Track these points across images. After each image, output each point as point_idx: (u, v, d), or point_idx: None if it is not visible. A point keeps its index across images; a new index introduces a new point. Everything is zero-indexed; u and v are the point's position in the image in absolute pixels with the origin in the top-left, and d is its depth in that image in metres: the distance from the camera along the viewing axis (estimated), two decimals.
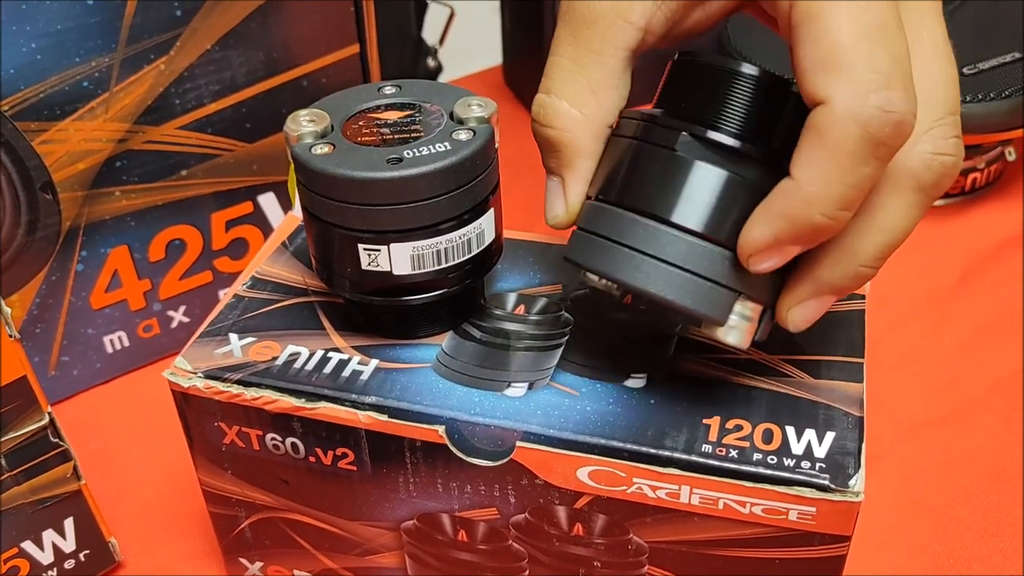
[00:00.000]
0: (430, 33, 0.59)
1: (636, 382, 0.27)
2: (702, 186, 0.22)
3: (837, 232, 0.22)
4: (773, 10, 0.22)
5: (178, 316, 0.41)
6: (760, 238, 0.22)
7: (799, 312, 0.23)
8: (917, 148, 0.22)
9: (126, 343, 0.41)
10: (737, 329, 0.23)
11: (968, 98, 0.45)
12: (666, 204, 0.22)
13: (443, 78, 0.61)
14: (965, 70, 0.46)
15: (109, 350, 0.41)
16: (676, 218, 0.22)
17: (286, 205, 0.42)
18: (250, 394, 0.27)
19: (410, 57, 0.56)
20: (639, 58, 0.25)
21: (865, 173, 0.20)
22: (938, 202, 0.49)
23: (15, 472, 0.30)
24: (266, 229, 0.42)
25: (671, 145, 0.23)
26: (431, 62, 0.58)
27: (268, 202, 0.41)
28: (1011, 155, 0.49)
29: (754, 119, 0.23)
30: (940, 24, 0.23)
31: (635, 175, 0.23)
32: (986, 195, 0.50)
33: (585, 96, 0.24)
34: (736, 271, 0.23)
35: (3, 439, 0.29)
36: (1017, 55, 0.47)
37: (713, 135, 0.23)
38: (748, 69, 0.23)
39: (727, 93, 0.23)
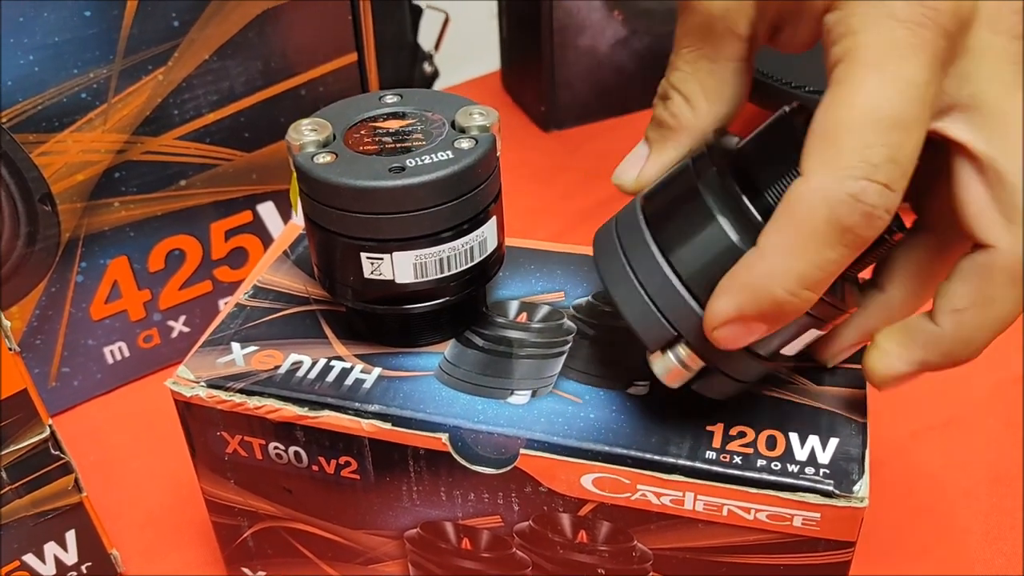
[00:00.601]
0: (425, 39, 0.59)
1: (639, 389, 0.27)
2: (701, 236, 0.23)
3: (799, 313, 0.21)
4: (825, 61, 0.22)
5: (178, 326, 0.41)
6: (723, 310, 0.22)
7: (892, 384, 0.24)
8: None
9: (126, 353, 0.41)
10: (663, 365, 0.24)
11: None
12: (666, 236, 0.23)
13: (441, 84, 0.62)
14: None
15: (109, 360, 0.40)
16: (669, 254, 0.23)
17: (286, 214, 0.42)
18: (253, 403, 0.27)
19: (406, 63, 0.56)
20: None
21: (828, 256, 0.20)
22: None
23: (16, 485, 0.29)
24: (265, 238, 0.42)
25: (697, 179, 0.23)
26: (427, 67, 0.58)
27: (267, 211, 0.41)
28: None
29: (778, 189, 0.22)
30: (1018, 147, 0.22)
31: (666, 195, 0.24)
32: None
33: (699, 100, 0.25)
34: (691, 323, 0.23)
35: (4, 452, 0.29)
36: None
37: (731, 183, 0.23)
38: (788, 119, 0.23)
39: (770, 142, 0.24)
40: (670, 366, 0.24)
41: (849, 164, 0.20)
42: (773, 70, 0.47)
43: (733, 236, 0.22)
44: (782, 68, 0.47)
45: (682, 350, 0.23)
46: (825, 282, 0.21)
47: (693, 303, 0.23)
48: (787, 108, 0.24)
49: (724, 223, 0.22)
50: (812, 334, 0.24)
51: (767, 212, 0.22)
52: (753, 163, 0.23)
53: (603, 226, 0.26)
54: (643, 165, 0.26)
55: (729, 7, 0.24)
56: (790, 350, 0.24)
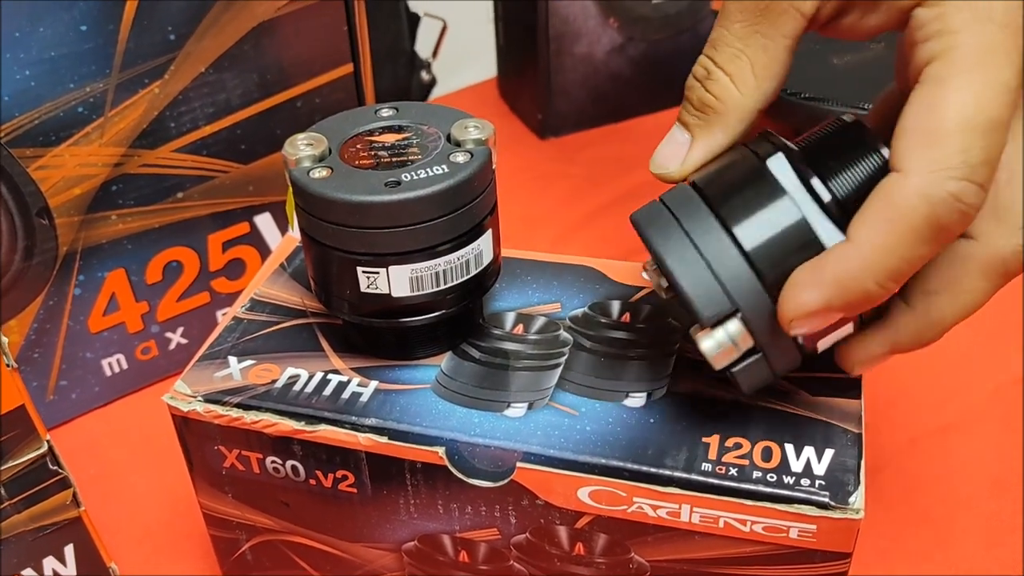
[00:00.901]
0: (423, 47, 0.59)
1: (635, 401, 0.27)
2: (772, 213, 0.23)
3: (879, 304, 0.22)
4: (908, 53, 0.22)
5: (176, 338, 0.41)
6: (810, 303, 0.22)
7: (866, 366, 0.25)
8: (1016, 238, 0.22)
9: (124, 366, 0.41)
10: (715, 341, 0.23)
11: None
12: (730, 210, 0.23)
13: (438, 92, 0.62)
14: None
15: (108, 373, 0.41)
16: (733, 226, 0.23)
17: (283, 225, 0.42)
18: (250, 417, 0.27)
19: (404, 72, 0.56)
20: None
21: (922, 252, 0.21)
22: None
23: (15, 500, 0.30)
24: (263, 249, 0.42)
25: (764, 157, 0.23)
26: (425, 75, 0.58)
27: (265, 223, 0.41)
28: None
29: (848, 177, 0.23)
30: None
31: (726, 175, 0.24)
32: None
33: (747, 77, 0.24)
34: (752, 299, 0.23)
35: (2, 468, 0.29)
36: None
37: (801, 163, 0.23)
38: (859, 123, 0.23)
39: (834, 141, 0.24)
40: (722, 343, 0.23)
41: (951, 164, 0.20)
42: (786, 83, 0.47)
43: (805, 213, 0.22)
44: (794, 81, 0.47)
45: (735, 326, 0.23)
46: (909, 275, 0.21)
47: (755, 278, 0.22)
48: (845, 117, 0.24)
49: (796, 200, 0.22)
50: (847, 330, 0.24)
51: (840, 200, 0.22)
52: (819, 153, 0.23)
53: (644, 207, 0.24)
54: (687, 151, 0.25)
55: None
56: (824, 344, 0.24)
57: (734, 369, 0.24)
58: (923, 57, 0.21)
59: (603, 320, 0.30)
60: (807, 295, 0.22)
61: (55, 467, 0.30)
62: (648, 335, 0.29)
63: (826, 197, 0.22)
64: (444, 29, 0.58)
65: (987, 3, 0.21)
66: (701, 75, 0.25)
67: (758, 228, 0.22)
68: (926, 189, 0.20)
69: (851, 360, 0.25)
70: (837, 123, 0.24)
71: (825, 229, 0.22)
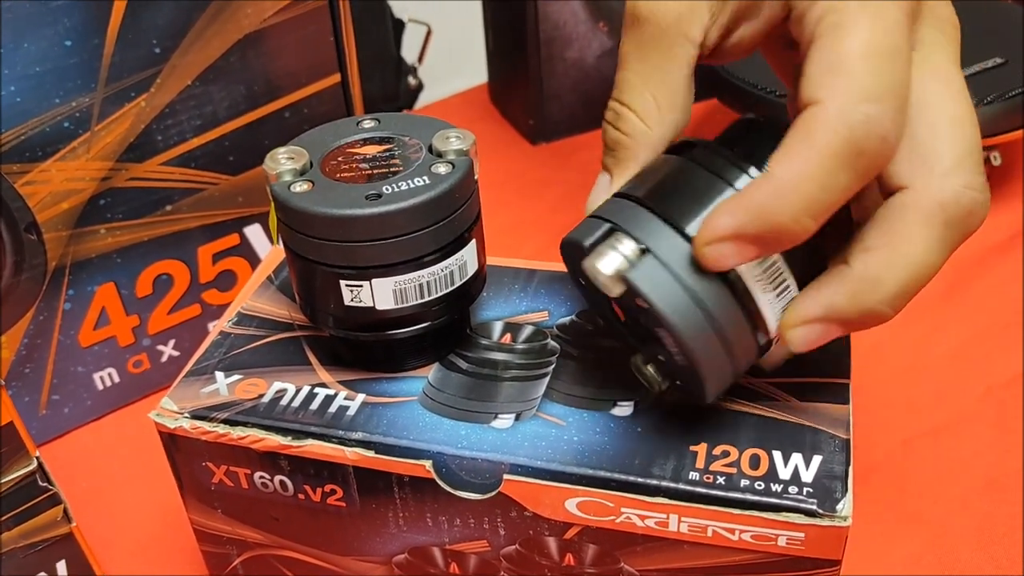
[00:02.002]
0: (408, 52, 0.59)
1: (623, 410, 0.26)
2: (697, 191, 0.23)
3: (797, 242, 0.21)
4: (798, 32, 0.23)
5: (168, 350, 0.41)
6: (720, 227, 0.21)
7: (801, 332, 0.23)
8: (948, 181, 0.21)
9: (116, 379, 0.41)
10: (599, 254, 0.23)
11: None
12: (671, 207, 0.23)
13: (428, 98, 0.62)
14: None
15: (99, 387, 0.40)
16: (672, 219, 0.23)
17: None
18: (236, 433, 0.27)
19: (391, 78, 0.56)
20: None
21: (840, 181, 0.20)
22: None
23: (5, 518, 0.29)
24: (253, 260, 0.42)
25: (690, 155, 0.24)
26: (412, 81, 0.58)
27: (255, 233, 0.41)
28: (996, 160, 0.49)
29: (761, 151, 0.23)
30: (958, 71, 0.23)
31: (652, 176, 0.24)
32: None
33: (651, 111, 0.25)
34: (631, 213, 0.23)
35: None
36: (999, 60, 0.47)
37: (718, 147, 0.23)
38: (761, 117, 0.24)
39: (747, 131, 0.24)
40: (604, 252, 0.22)
41: (863, 87, 0.20)
42: (749, 76, 0.47)
43: (727, 178, 0.22)
44: (758, 74, 0.47)
45: (620, 239, 0.23)
46: (828, 211, 0.21)
47: (650, 212, 0.23)
48: (748, 116, 0.25)
49: (717, 174, 0.23)
50: (786, 293, 0.23)
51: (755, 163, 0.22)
52: (732, 143, 0.24)
53: (577, 227, 0.25)
54: (609, 189, 0.26)
55: (682, 13, 0.25)
56: (764, 302, 0.23)
57: (628, 276, 0.22)
58: (812, 21, 0.22)
59: (591, 328, 0.29)
60: (720, 219, 0.21)
61: (45, 483, 0.30)
62: (637, 337, 0.29)
63: (747, 166, 0.23)
64: (429, 34, 0.58)
65: None
66: (611, 117, 0.26)
67: (688, 209, 0.23)
68: (842, 112, 0.20)
69: (784, 324, 0.23)
70: (743, 120, 0.25)
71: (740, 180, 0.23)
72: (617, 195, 0.24)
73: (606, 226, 0.23)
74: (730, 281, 0.22)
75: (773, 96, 0.46)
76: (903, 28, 0.21)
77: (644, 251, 0.22)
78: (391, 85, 0.56)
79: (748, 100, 0.47)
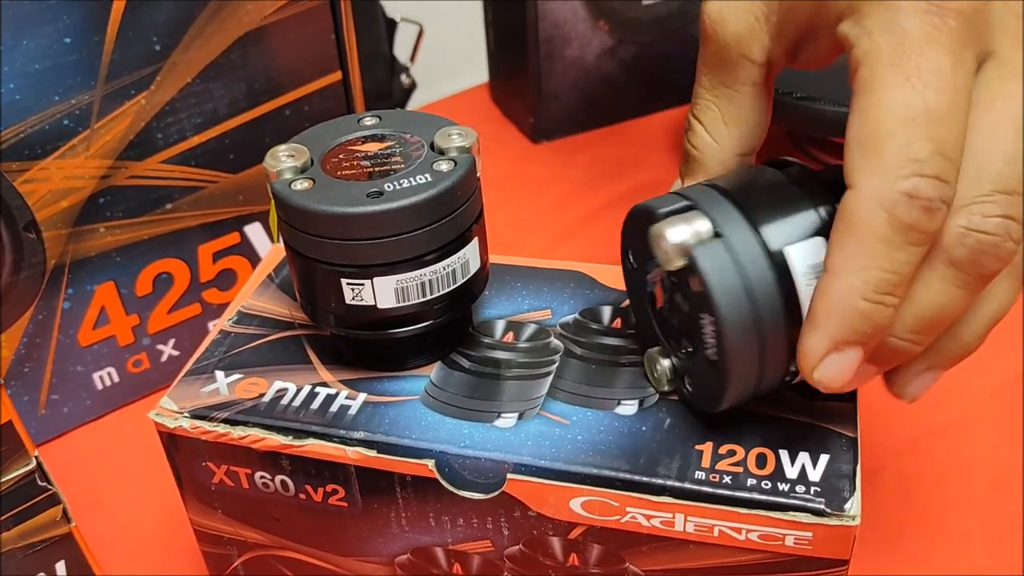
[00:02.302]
0: (402, 51, 0.59)
1: (627, 408, 0.26)
2: (781, 200, 0.23)
3: (890, 321, 0.21)
4: (850, 60, 0.22)
5: (167, 350, 0.41)
6: (817, 344, 0.21)
7: (826, 370, 0.22)
8: (952, 222, 0.21)
9: (116, 379, 0.40)
10: (675, 228, 0.23)
11: None
12: (753, 205, 0.23)
13: (429, 98, 0.61)
14: None
15: (99, 387, 0.40)
16: (751, 215, 0.23)
17: None
18: (237, 433, 0.26)
19: (384, 77, 0.56)
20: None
21: (900, 258, 0.20)
22: None
23: (4, 518, 0.29)
24: (254, 259, 0.42)
25: (785, 171, 0.25)
26: (404, 80, 0.58)
27: (255, 232, 0.41)
28: None
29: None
30: (1018, 95, 0.21)
31: (742, 176, 0.25)
32: None
33: (719, 126, 0.26)
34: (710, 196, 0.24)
35: None
36: None
37: (817, 173, 0.24)
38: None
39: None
40: (682, 229, 0.22)
41: (895, 165, 0.20)
42: (778, 83, 0.47)
43: (813, 198, 0.23)
44: (786, 81, 0.46)
45: (695, 216, 0.23)
46: (903, 283, 0.21)
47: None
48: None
49: (807, 192, 0.23)
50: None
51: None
52: (829, 173, 0.24)
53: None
54: None
55: (741, 34, 0.25)
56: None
57: (694, 251, 0.22)
58: (852, 68, 0.21)
59: (594, 326, 0.29)
60: (811, 340, 0.21)
61: (44, 483, 0.30)
62: (639, 341, 0.28)
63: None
64: (421, 33, 0.58)
65: (893, 1, 0.20)
66: (686, 128, 0.27)
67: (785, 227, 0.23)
68: (877, 195, 0.20)
69: (807, 367, 0.22)
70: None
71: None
72: (704, 183, 0.25)
73: (685, 202, 0.23)
74: (788, 298, 0.22)
75: (778, 95, 0.46)
76: (947, 77, 0.20)
77: (716, 235, 0.22)
78: (384, 84, 0.56)
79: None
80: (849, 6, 0.21)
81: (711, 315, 0.23)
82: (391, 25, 0.56)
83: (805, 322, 0.22)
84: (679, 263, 0.22)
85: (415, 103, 0.60)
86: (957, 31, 0.20)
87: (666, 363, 0.26)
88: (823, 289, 0.21)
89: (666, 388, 0.26)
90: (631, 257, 0.26)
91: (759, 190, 0.24)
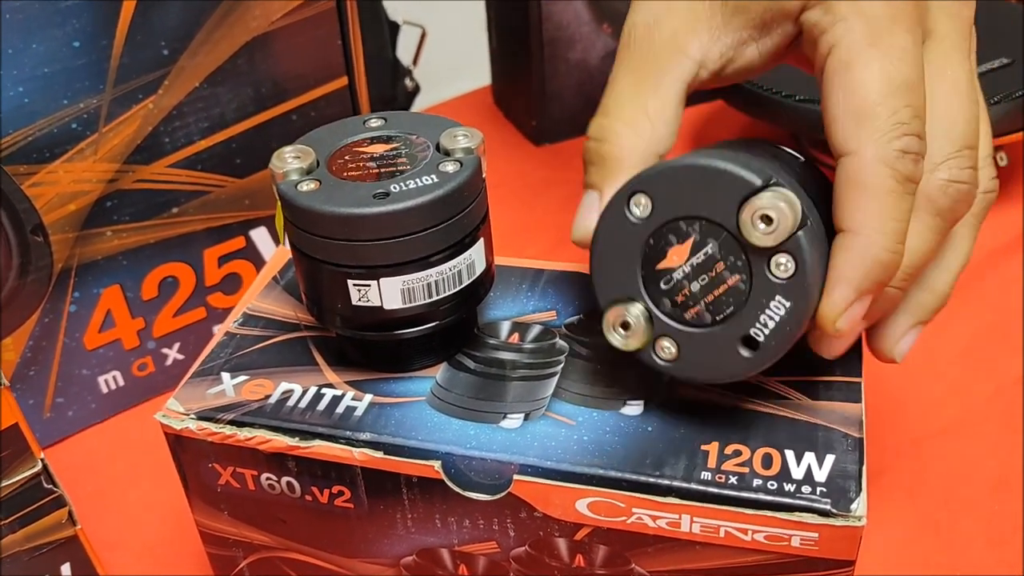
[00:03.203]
0: (403, 55, 0.59)
1: (633, 409, 0.26)
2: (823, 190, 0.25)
3: (898, 267, 0.23)
4: (812, 54, 0.24)
5: (172, 353, 0.41)
6: (842, 298, 0.23)
7: (845, 320, 0.24)
8: (935, 175, 0.24)
9: (121, 383, 0.41)
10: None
11: None
12: (812, 193, 0.24)
13: (432, 100, 0.62)
14: None
15: (104, 390, 0.40)
16: (820, 211, 0.24)
17: (278, 239, 0.42)
18: (243, 434, 0.27)
19: (388, 80, 0.56)
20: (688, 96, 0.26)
21: (905, 206, 0.23)
22: None
23: (9, 520, 0.29)
24: (259, 264, 0.42)
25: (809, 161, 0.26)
26: (408, 83, 0.58)
27: (260, 237, 0.41)
28: (1003, 160, 0.49)
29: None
30: (964, 64, 0.25)
31: (785, 158, 0.26)
32: None
33: (641, 120, 0.25)
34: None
35: None
36: (1006, 60, 0.47)
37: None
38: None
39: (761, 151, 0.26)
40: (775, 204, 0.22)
41: (887, 128, 0.23)
42: (765, 81, 0.47)
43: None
44: (773, 79, 0.47)
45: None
46: (906, 231, 0.23)
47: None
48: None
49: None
50: None
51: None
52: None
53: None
54: (599, 206, 0.25)
55: (678, 28, 0.25)
56: None
57: (800, 233, 0.22)
58: (823, 50, 0.24)
59: (599, 327, 0.29)
60: (838, 293, 0.23)
61: (50, 486, 0.30)
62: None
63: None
64: (423, 36, 0.58)
65: None
66: (596, 133, 0.26)
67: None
68: (879, 156, 0.23)
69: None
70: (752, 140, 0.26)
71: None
72: (750, 154, 0.24)
73: (770, 176, 0.23)
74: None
75: (780, 97, 0.46)
76: (912, 52, 0.23)
77: (805, 218, 0.22)
78: (387, 88, 0.56)
79: (754, 101, 0.47)
80: None
81: (788, 300, 0.23)
82: (394, 28, 0.56)
83: (829, 278, 0.23)
84: (774, 241, 0.22)
85: (417, 106, 0.60)
86: (912, 12, 0.23)
87: (642, 319, 0.24)
88: (847, 245, 0.23)
89: (633, 347, 0.25)
90: (642, 205, 0.24)
91: (794, 171, 0.24)
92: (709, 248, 0.23)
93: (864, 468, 0.24)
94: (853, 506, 0.23)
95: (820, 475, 0.24)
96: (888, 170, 0.23)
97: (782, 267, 0.23)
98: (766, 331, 0.23)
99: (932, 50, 0.24)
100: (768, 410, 0.26)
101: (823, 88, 0.24)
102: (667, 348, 0.25)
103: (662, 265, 0.24)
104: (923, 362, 0.41)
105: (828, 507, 0.23)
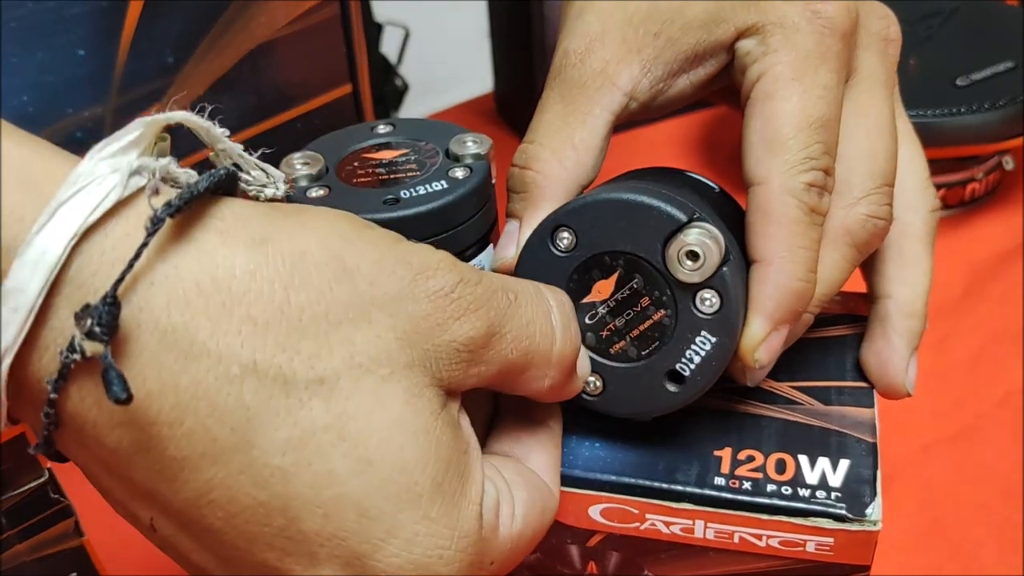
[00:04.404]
0: (401, 58, 0.59)
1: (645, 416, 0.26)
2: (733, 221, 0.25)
3: (811, 297, 0.24)
4: (739, 81, 0.25)
5: None
6: (760, 329, 0.23)
7: (763, 350, 0.24)
8: (855, 210, 0.24)
9: None
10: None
11: (963, 109, 0.45)
12: (732, 227, 0.24)
13: (434, 107, 0.62)
14: (958, 81, 0.46)
15: None
16: (739, 243, 0.24)
17: None
18: None
19: (378, 80, 0.56)
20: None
21: (814, 235, 0.24)
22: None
23: (16, 530, 0.29)
24: None
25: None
26: (397, 83, 0.58)
27: None
28: (1009, 164, 0.49)
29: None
30: (887, 103, 0.25)
31: (688, 190, 0.25)
32: (985, 205, 0.50)
33: (567, 150, 0.25)
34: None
35: (3, 497, 0.28)
36: (1010, 64, 0.47)
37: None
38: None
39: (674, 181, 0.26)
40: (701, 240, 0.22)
41: (796, 161, 0.23)
42: None
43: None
44: None
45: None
46: (816, 258, 0.24)
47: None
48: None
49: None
50: None
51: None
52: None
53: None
54: (519, 234, 0.25)
55: (608, 60, 0.25)
56: None
57: (724, 270, 0.22)
58: (751, 79, 0.24)
59: None
60: (755, 325, 0.23)
61: (56, 495, 0.29)
62: None
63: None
64: (407, 36, 0.58)
65: (796, 21, 0.24)
66: (521, 160, 0.25)
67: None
68: (786, 187, 0.23)
69: (746, 353, 0.24)
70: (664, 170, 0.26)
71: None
72: (665, 190, 0.23)
73: (694, 211, 0.23)
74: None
75: None
76: (833, 91, 0.24)
77: (727, 254, 0.23)
78: (377, 88, 0.56)
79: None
80: (749, 26, 0.25)
81: (714, 336, 0.23)
82: (377, 29, 0.57)
83: (748, 310, 0.23)
84: (700, 278, 0.22)
85: (418, 112, 0.61)
86: (840, 52, 0.24)
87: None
88: (761, 276, 0.23)
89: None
90: (567, 239, 0.24)
91: (712, 202, 0.25)
92: (634, 283, 0.23)
93: (879, 473, 0.24)
94: (868, 511, 0.23)
95: (835, 480, 0.24)
96: (795, 201, 0.23)
97: (707, 302, 0.23)
98: (692, 365, 0.23)
99: (857, 88, 0.25)
100: (781, 415, 0.26)
101: (744, 115, 0.25)
102: (592, 383, 0.24)
103: (587, 299, 0.24)
104: (932, 367, 0.41)
105: (843, 512, 0.23)
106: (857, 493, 0.23)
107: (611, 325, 0.24)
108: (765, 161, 0.24)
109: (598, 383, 0.24)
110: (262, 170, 0.21)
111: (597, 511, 0.25)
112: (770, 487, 0.24)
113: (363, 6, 0.54)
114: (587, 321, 0.24)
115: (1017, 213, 0.49)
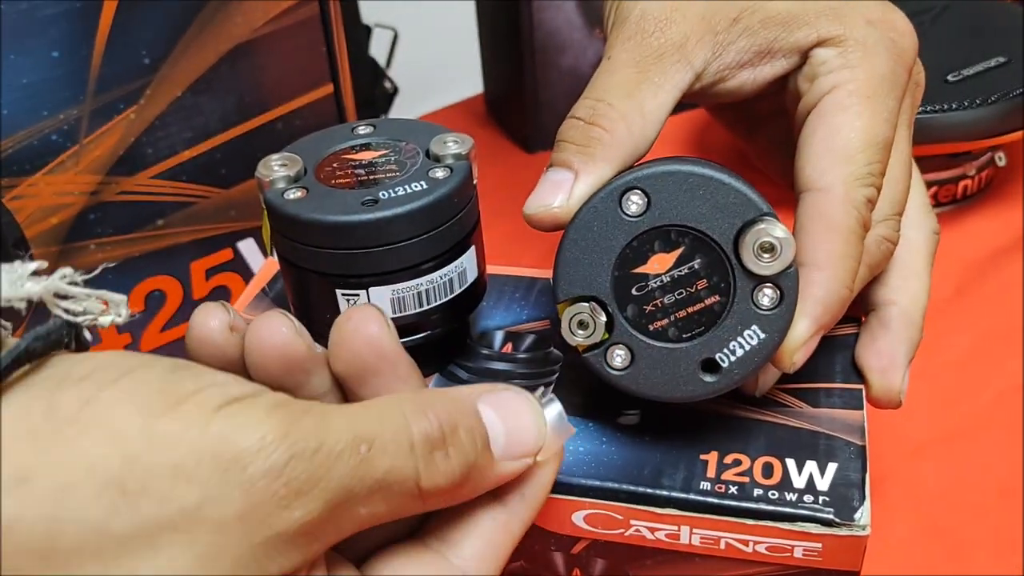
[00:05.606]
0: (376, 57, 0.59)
1: (629, 419, 0.26)
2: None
3: (847, 305, 0.24)
4: (805, 87, 0.26)
5: None
6: (806, 331, 0.23)
7: (803, 353, 0.24)
8: (875, 231, 0.26)
9: None
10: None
11: (955, 105, 0.44)
12: None
13: (424, 108, 0.61)
14: (950, 77, 0.46)
15: None
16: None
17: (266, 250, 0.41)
18: None
19: (367, 82, 0.56)
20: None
21: (861, 249, 0.24)
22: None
23: None
24: (247, 275, 0.41)
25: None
26: (386, 85, 0.58)
27: (248, 248, 0.41)
28: (1001, 160, 0.48)
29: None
30: (908, 140, 0.27)
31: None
32: (978, 202, 0.49)
33: (636, 116, 0.25)
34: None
35: None
36: (1002, 60, 0.47)
37: None
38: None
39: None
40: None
41: (861, 176, 0.24)
42: None
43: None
44: None
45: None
46: (857, 273, 0.25)
47: None
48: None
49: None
50: None
51: None
52: None
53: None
54: (572, 186, 0.24)
55: (688, 36, 0.25)
56: None
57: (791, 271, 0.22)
58: (822, 88, 0.25)
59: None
60: (801, 328, 0.23)
61: None
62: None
63: None
64: (395, 38, 0.58)
65: (876, 44, 0.25)
66: (587, 116, 0.25)
67: None
68: (850, 197, 0.24)
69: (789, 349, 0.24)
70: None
71: None
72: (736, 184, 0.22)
73: (770, 206, 0.23)
74: None
75: None
76: (895, 116, 0.25)
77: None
78: (366, 90, 0.56)
79: None
80: (832, 36, 0.25)
81: (764, 332, 0.23)
82: (366, 31, 0.56)
83: (796, 311, 0.23)
84: (765, 271, 0.22)
85: (409, 114, 0.60)
86: (905, 83, 0.26)
87: (602, 321, 0.23)
88: (815, 280, 0.24)
89: (586, 343, 0.24)
90: (638, 204, 0.23)
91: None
92: (695, 263, 0.23)
93: (867, 476, 0.23)
94: (857, 515, 0.22)
95: (822, 484, 0.23)
96: (856, 212, 0.24)
97: (768, 298, 0.22)
98: (732, 358, 0.23)
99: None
100: (768, 418, 0.25)
101: (807, 121, 0.25)
102: (620, 356, 0.23)
103: (639, 269, 0.23)
104: (924, 367, 0.41)
105: (831, 516, 0.22)
106: (845, 497, 0.23)
107: (658, 301, 0.23)
108: (832, 170, 0.24)
109: (626, 357, 0.23)
110: (97, 299, 0.19)
111: (581, 517, 0.24)
112: (757, 492, 0.23)
113: (348, 7, 0.53)
114: (634, 292, 0.23)
115: (1010, 209, 0.49)
